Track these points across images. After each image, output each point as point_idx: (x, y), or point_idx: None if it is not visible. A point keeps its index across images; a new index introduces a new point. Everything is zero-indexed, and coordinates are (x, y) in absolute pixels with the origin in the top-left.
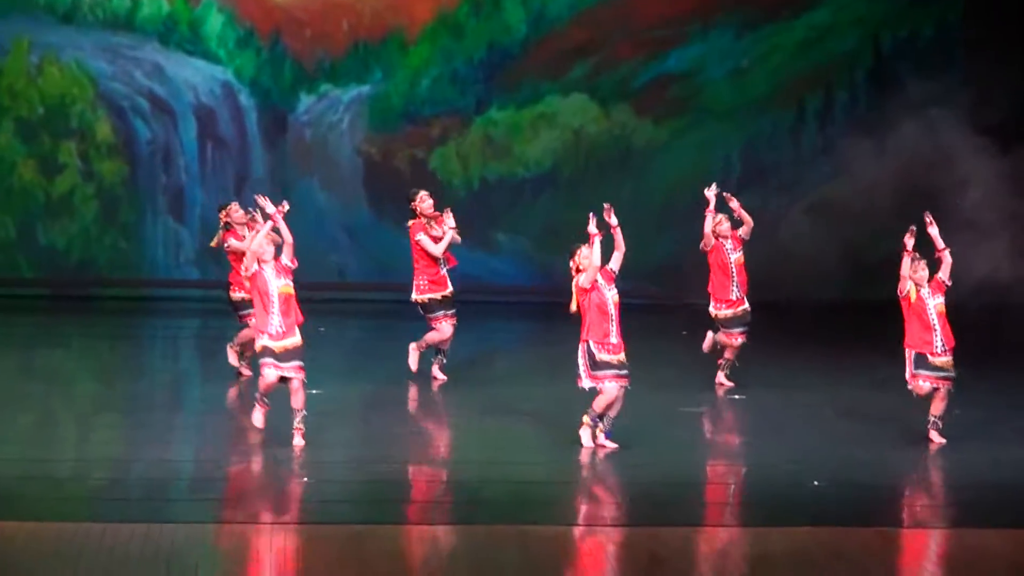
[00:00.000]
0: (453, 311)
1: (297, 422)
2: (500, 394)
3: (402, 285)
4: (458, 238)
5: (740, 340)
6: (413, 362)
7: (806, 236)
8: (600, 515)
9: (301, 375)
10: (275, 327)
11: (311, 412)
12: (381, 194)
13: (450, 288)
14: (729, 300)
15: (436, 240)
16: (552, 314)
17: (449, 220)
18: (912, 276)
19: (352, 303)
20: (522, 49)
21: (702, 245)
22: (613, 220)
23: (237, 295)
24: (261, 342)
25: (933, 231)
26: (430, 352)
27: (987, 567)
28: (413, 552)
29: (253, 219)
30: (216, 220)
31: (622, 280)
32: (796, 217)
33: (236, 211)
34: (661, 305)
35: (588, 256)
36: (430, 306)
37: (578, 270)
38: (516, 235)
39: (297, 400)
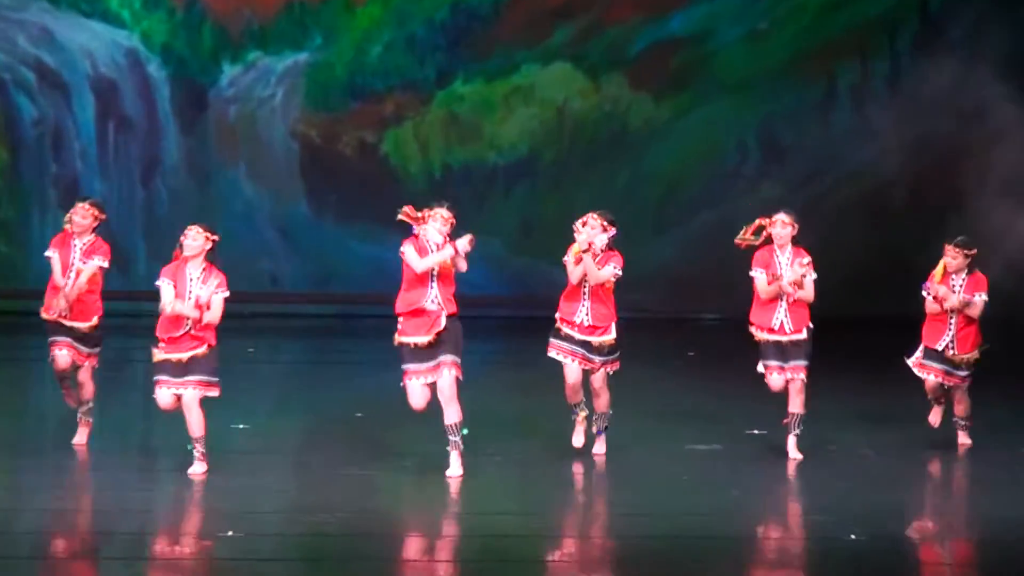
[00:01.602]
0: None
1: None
2: (470, 434)
3: (346, 296)
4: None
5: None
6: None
7: (839, 235)
8: None
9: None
10: None
11: (237, 451)
12: (321, 186)
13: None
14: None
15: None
16: (529, 331)
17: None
18: (949, 264)
19: (287, 318)
20: (493, 9)
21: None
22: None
23: None
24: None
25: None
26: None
27: None
28: None
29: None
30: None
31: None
32: (827, 212)
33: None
34: (660, 320)
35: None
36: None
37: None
38: (486, 235)
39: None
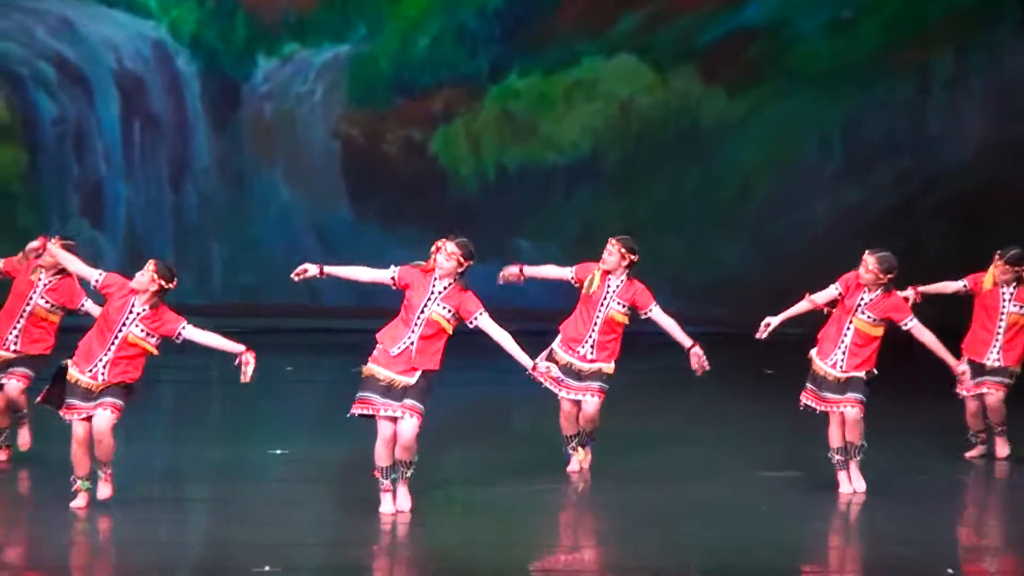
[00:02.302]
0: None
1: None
2: (515, 458)
3: (391, 310)
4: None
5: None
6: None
7: (930, 242)
8: None
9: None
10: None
11: (273, 478)
12: (365, 189)
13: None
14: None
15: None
16: None
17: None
18: (998, 277)
19: (327, 333)
20: None
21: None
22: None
23: None
24: None
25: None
26: None
27: None
28: None
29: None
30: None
31: (678, 300)
32: (917, 217)
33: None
34: (733, 335)
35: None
36: None
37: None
38: (545, 242)
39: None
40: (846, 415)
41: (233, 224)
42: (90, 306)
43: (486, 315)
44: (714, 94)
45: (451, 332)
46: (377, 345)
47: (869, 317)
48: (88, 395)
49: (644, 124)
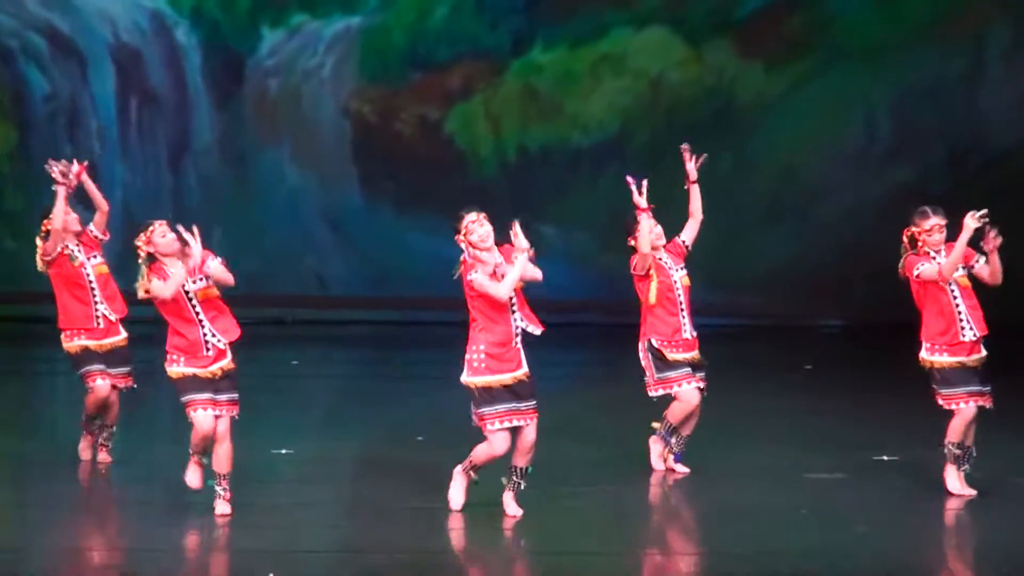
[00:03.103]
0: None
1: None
2: (545, 456)
3: (404, 300)
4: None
5: None
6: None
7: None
8: None
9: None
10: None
11: (280, 480)
12: (377, 171)
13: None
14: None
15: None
16: (621, 339)
17: (519, 241)
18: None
19: (336, 325)
20: None
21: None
22: (691, 170)
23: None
24: (79, 342)
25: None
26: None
27: None
28: None
29: (186, 246)
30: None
31: (715, 291)
32: (972, 200)
33: (163, 236)
34: (772, 328)
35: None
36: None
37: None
38: (569, 227)
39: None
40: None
41: (236, 208)
42: (95, 228)
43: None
44: (751, 69)
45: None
46: (478, 354)
47: (961, 270)
48: (215, 383)
49: (676, 102)
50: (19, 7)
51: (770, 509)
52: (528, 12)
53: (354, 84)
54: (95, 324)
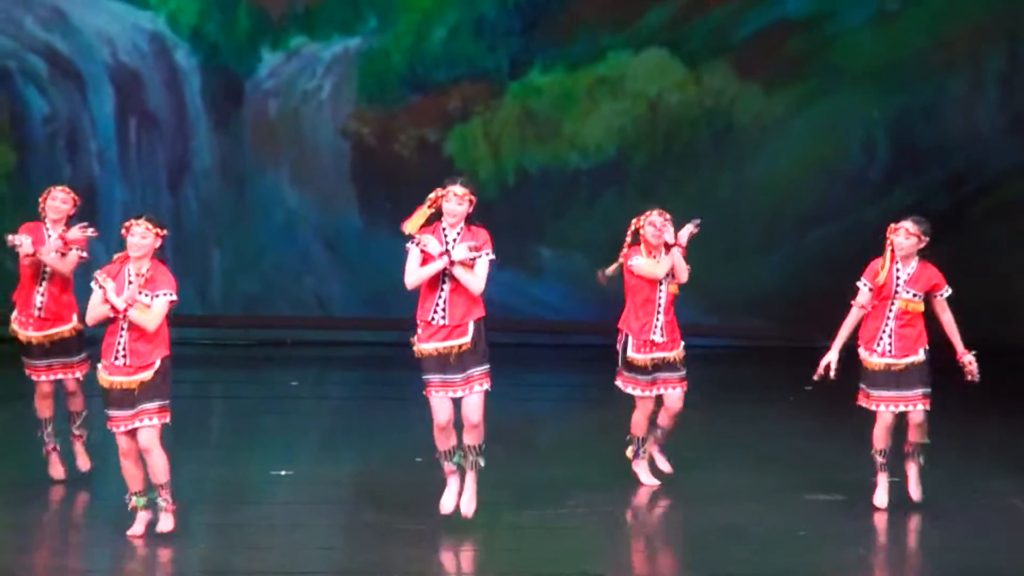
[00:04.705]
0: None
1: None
2: (541, 478)
3: (403, 321)
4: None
5: None
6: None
7: (985, 250)
8: None
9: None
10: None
11: (277, 501)
12: (376, 192)
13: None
14: None
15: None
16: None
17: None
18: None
19: (335, 346)
20: None
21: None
22: (682, 236)
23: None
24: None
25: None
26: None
27: None
28: None
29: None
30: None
31: (712, 312)
32: (970, 223)
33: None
34: (771, 349)
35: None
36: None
37: (634, 244)
38: (567, 250)
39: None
40: (912, 416)
41: (235, 230)
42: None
43: (487, 259)
44: (751, 92)
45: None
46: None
47: (911, 293)
48: (125, 400)
49: (675, 124)
50: (18, 28)
51: (769, 531)
52: (526, 34)
53: (353, 106)
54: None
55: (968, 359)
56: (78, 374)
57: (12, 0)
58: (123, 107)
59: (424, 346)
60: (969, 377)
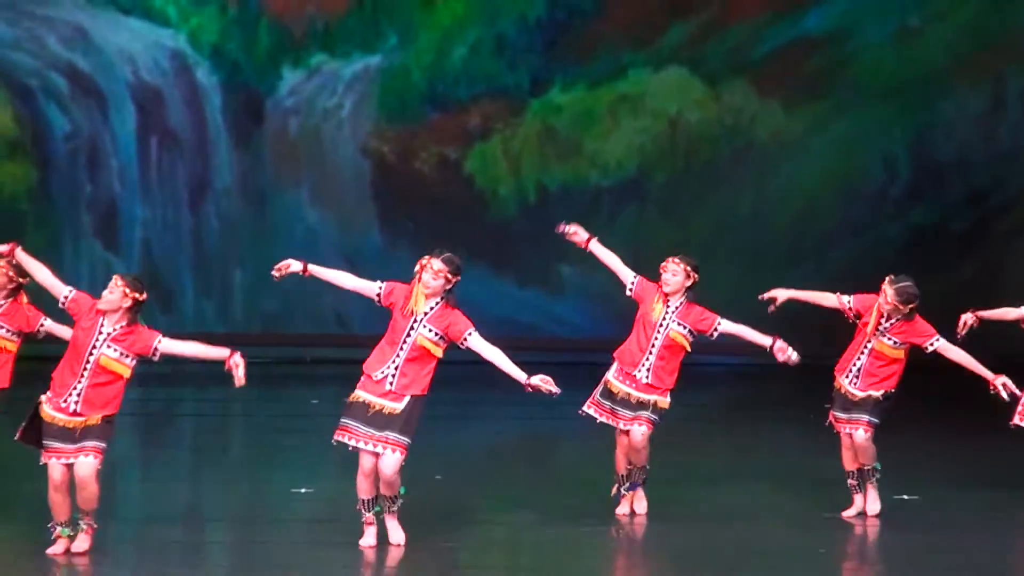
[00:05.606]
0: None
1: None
2: (561, 496)
3: None
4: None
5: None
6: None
7: (1007, 267)
8: None
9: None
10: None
11: (299, 519)
12: (396, 210)
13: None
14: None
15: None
16: None
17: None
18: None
19: (355, 364)
20: (596, 4)
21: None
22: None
23: None
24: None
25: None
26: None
27: None
28: None
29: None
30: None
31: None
32: (991, 240)
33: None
34: (791, 369)
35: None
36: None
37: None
38: (588, 268)
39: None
40: (854, 437)
41: (255, 248)
42: (51, 325)
43: (476, 335)
44: (770, 110)
45: (440, 356)
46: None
47: (891, 340)
48: (67, 435)
49: (695, 142)
50: (40, 46)
51: (788, 549)
52: (546, 52)
53: (373, 124)
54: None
55: (1001, 382)
56: None
57: (35, 18)
58: (144, 125)
59: (358, 392)
60: (1008, 398)
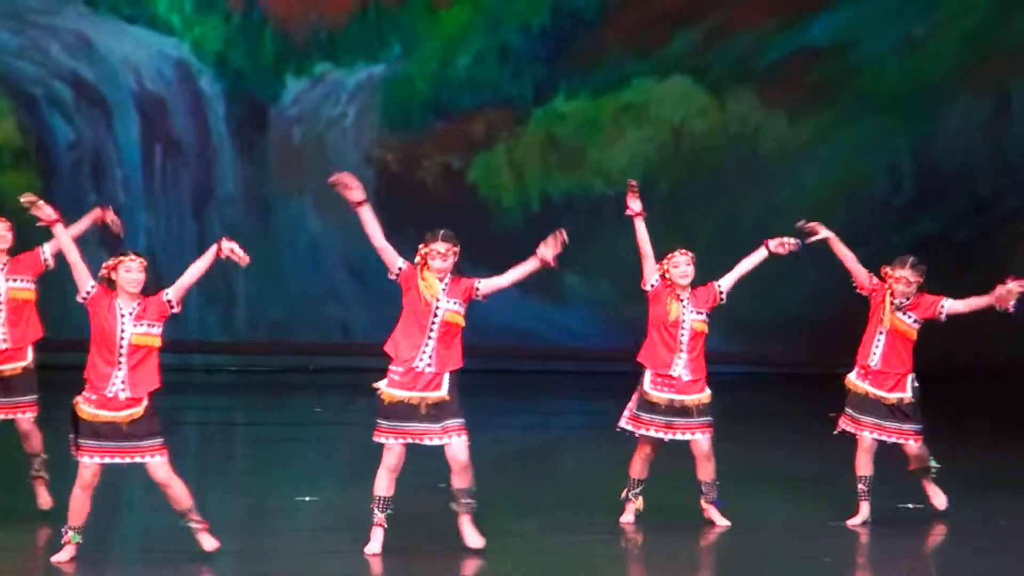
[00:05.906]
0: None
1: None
2: (565, 505)
3: None
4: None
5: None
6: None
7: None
8: None
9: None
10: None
11: (302, 528)
12: (400, 219)
13: None
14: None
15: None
16: None
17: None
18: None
19: (359, 372)
20: (600, 13)
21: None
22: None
23: None
24: None
25: None
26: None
27: None
28: None
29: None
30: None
31: (737, 339)
32: (997, 251)
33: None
34: (795, 376)
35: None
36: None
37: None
38: (592, 277)
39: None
40: (907, 448)
41: (259, 256)
42: (49, 245)
43: (483, 280)
44: (775, 119)
45: (463, 324)
46: (392, 365)
47: (910, 317)
48: (113, 432)
49: (699, 151)
50: (44, 55)
51: (793, 558)
52: (550, 61)
53: (377, 133)
54: None
55: (1007, 289)
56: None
57: (38, 27)
58: (148, 134)
59: (397, 392)
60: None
